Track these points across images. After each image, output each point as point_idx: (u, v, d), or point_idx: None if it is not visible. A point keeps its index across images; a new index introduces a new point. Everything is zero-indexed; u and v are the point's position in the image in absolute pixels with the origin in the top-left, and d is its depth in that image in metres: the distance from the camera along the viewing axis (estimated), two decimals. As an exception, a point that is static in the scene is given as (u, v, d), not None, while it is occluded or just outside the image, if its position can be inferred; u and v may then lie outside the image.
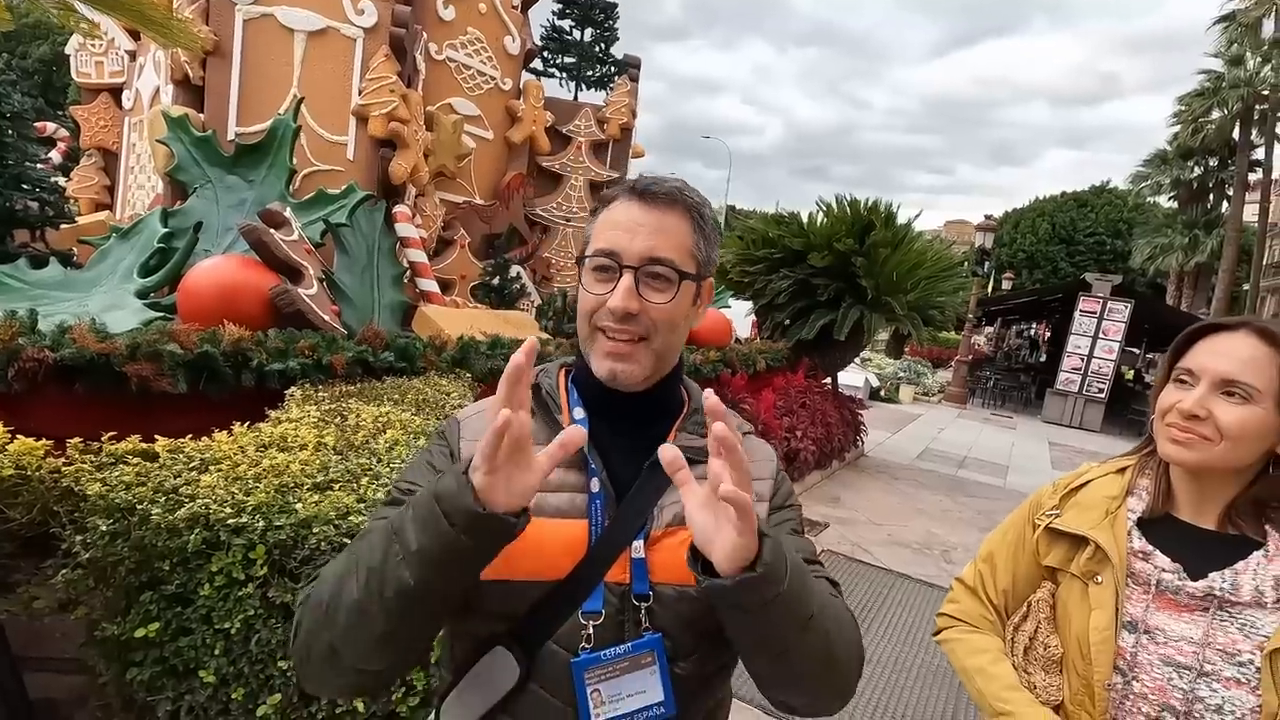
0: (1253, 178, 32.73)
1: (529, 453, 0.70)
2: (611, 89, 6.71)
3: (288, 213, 3.45)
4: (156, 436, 2.06)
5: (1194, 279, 36.03)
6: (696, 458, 0.89)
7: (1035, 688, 1.10)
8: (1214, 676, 0.98)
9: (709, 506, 0.71)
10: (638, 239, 0.84)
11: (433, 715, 0.93)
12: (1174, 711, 1.00)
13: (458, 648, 0.90)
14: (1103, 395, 14.47)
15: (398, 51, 4.43)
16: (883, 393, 14.50)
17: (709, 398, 0.71)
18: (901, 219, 7.63)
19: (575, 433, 0.70)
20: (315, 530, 1.76)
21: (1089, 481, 1.17)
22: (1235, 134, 32.66)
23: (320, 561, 1.75)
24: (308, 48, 4.30)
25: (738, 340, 7.52)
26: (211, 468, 1.93)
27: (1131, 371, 21.16)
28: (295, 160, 4.03)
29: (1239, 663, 0.97)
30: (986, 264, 17.00)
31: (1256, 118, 31.44)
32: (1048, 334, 25.43)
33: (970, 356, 17.41)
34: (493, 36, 5.59)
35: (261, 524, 1.74)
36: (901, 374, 15.81)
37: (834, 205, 7.66)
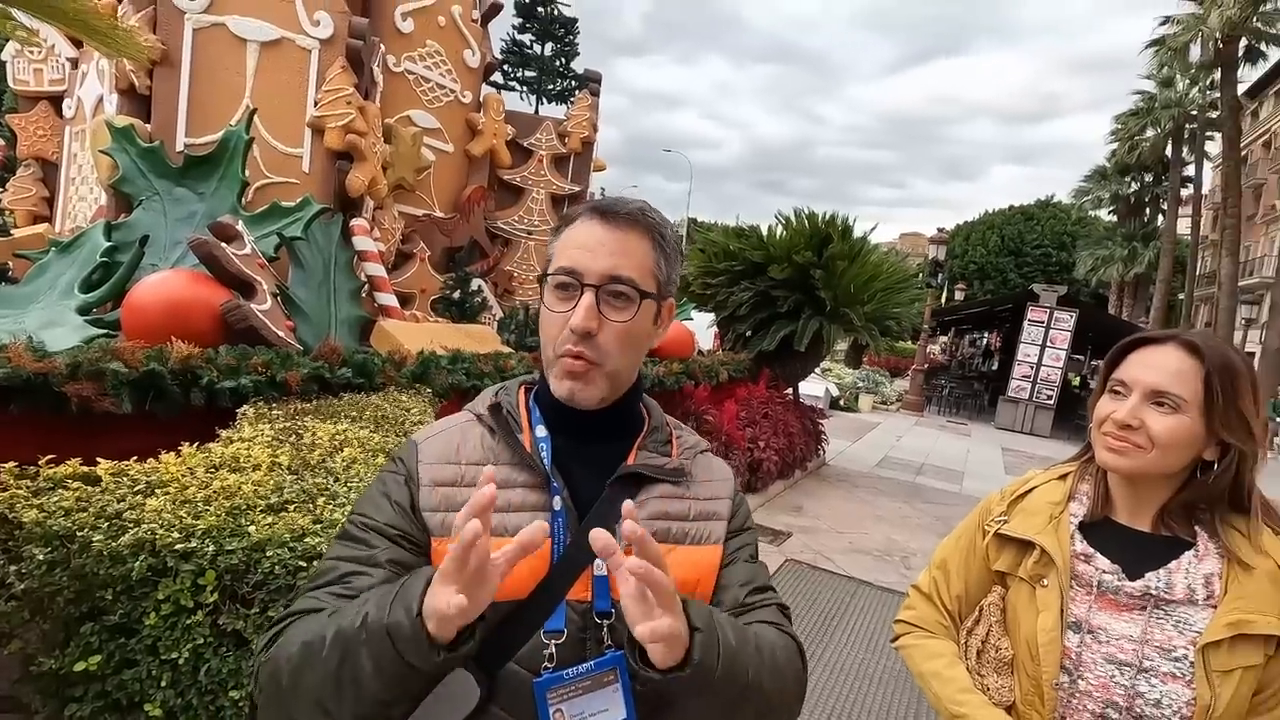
0: (1185, 193, 34.48)
1: (487, 569, 0.70)
2: (572, 103, 6.74)
3: (240, 226, 3.37)
4: (99, 459, 1.98)
5: (1133, 289, 37.72)
6: (656, 475, 0.93)
7: (988, 689, 1.13)
8: (1153, 672, 1.02)
9: (641, 597, 0.72)
10: (599, 258, 0.85)
11: None
12: (1117, 707, 1.03)
13: None
14: (1051, 402, 14.99)
15: (355, 63, 4.37)
16: (842, 402, 14.76)
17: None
18: (858, 232, 7.82)
19: (537, 532, 0.69)
20: (269, 554, 1.71)
21: (1034, 488, 1.21)
22: (1168, 151, 34.41)
23: (274, 586, 1.70)
24: (261, 58, 4.21)
25: (700, 352, 7.59)
26: (158, 491, 1.86)
27: (1078, 378, 21.97)
28: (248, 173, 3.94)
29: (1175, 658, 1.02)
30: (940, 275, 17.52)
31: (1186, 136, 33.19)
32: (999, 343, 26.27)
33: (926, 365, 17.87)
34: (452, 49, 5.56)
35: (211, 549, 1.68)
36: (861, 383, 16.12)
37: (793, 218, 7.80)
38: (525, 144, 6.47)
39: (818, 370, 11.68)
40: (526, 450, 0.90)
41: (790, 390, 8.34)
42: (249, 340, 3.08)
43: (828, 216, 7.69)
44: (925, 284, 15.72)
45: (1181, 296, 33.28)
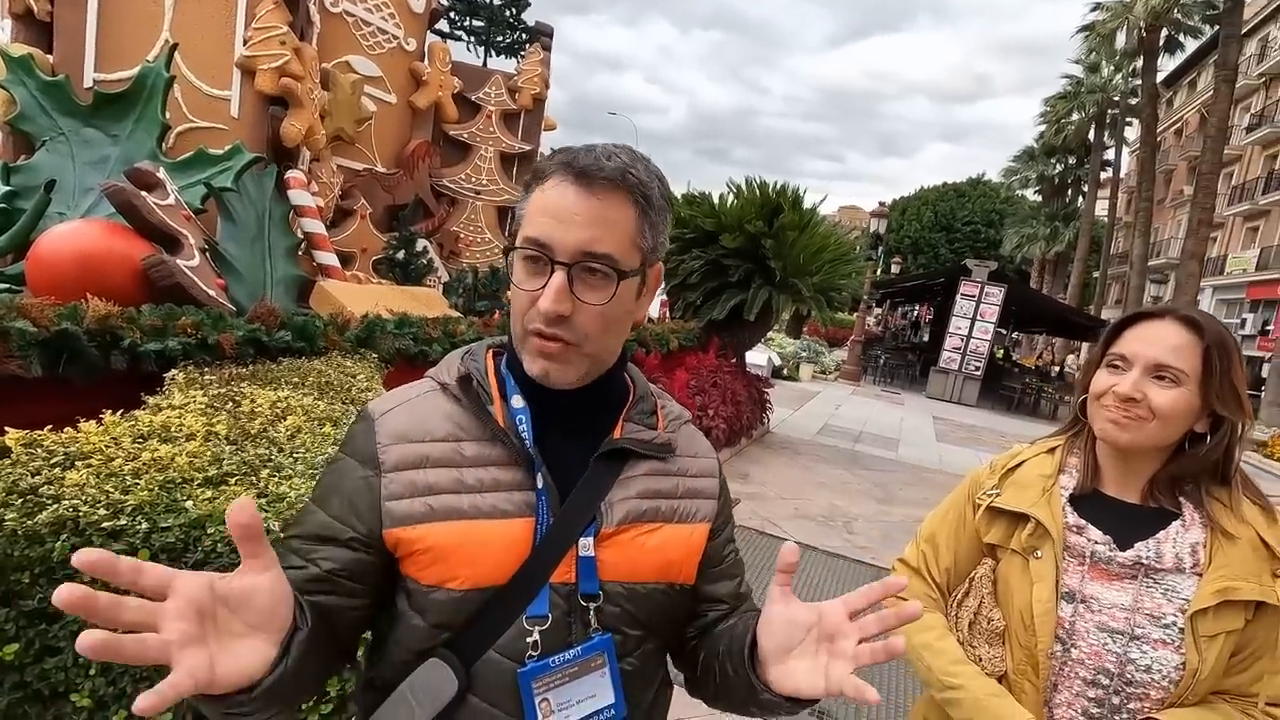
0: (1105, 176, 36.35)
1: (241, 601, 0.59)
2: (523, 57, 6.45)
3: (161, 173, 3.07)
4: (6, 428, 1.78)
5: (1054, 266, 39.80)
6: (643, 451, 0.86)
7: (981, 660, 1.14)
8: (1143, 639, 1.05)
9: (801, 627, 0.73)
10: (572, 230, 0.75)
11: None
12: (1108, 674, 1.06)
13: (388, 660, 0.82)
14: (979, 372, 15.72)
15: (289, 1, 4.02)
16: (784, 371, 15.08)
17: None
18: (807, 204, 7.87)
19: (243, 511, 0.57)
20: (210, 531, 1.59)
21: (1024, 461, 1.22)
22: (1091, 135, 36.09)
23: (217, 565, 1.58)
24: (181, -13, 3.82)
25: (650, 320, 7.55)
26: (79, 463, 1.69)
27: (1002, 350, 23.09)
28: (168, 115, 3.59)
29: (1164, 625, 1.04)
30: (880, 248, 17.98)
31: (1109, 121, 34.86)
32: (929, 315, 27.25)
33: (863, 336, 18.42)
34: (395, -9, 5.20)
35: (145, 526, 1.54)
36: (802, 353, 16.49)
37: (744, 187, 7.78)
38: (473, 98, 6.16)
39: (761, 341, 11.86)
40: (500, 424, 0.81)
41: (738, 359, 8.42)
42: (175, 299, 2.84)
43: (779, 186, 7.70)
44: (867, 256, 16.12)
45: (1097, 274, 35.32)
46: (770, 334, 15.70)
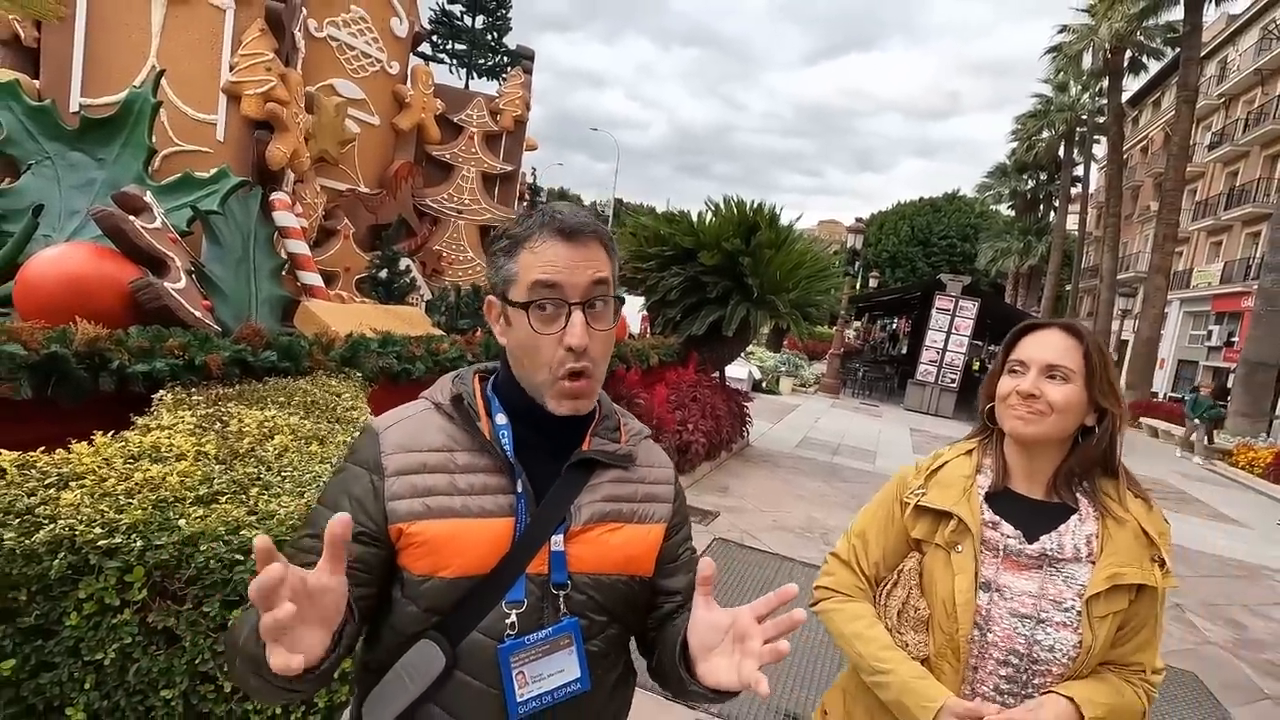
0: (1075, 191, 37.26)
1: (317, 599, 0.70)
2: (505, 79, 6.58)
3: (148, 197, 3.13)
4: None
5: (1027, 280, 40.59)
6: (608, 460, 1.00)
7: (907, 645, 1.26)
8: (1048, 622, 1.18)
9: (719, 630, 0.83)
10: (578, 274, 0.89)
11: (346, 716, 0.97)
12: (1018, 654, 1.19)
13: (382, 645, 0.93)
14: (955, 384, 16.00)
15: (274, 26, 4.11)
16: (764, 384, 15.23)
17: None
18: (784, 220, 8.05)
19: (340, 524, 0.70)
20: (203, 548, 1.65)
21: (945, 463, 1.34)
22: (1061, 152, 37.02)
23: (209, 581, 1.65)
24: (168, 14, 3.88)
25: (631, 336, 7.65)
26: (73, 483, 1.74)
27: (978, 363, 23.50)
28: (155, 139, 3.65)
29: (1065, 609, 1.18)
30: (857, 263, 18.28)
31: (1077, 139, 35.80)
32: (908, 328, 27.66)
33: (842, 350, 18.67)
34: (378, 16, 5.30)
35: (139, 544, 1.60)
36: (782, 366, 16.67)
37: (722, 205, 7.94)
38: (455, 120, 6.27)
39: (741, 355, 12.00)
40: (486, 437, 0.94)
41: (717, 374, 8.54)
42: (162, 321, 2.89)
43: (755, 205, 7.87)
44: (844, 271, 16.38)
45: (1069, 288, 36.07)
46: (751, 348, 15.88)
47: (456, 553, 0.88)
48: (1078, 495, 1.25)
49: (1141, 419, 19.66)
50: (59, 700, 1.57)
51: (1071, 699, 1.14)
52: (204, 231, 3.50)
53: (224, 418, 2.42)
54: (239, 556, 1.67)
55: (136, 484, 1.79)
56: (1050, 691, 1.17)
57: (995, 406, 1.28)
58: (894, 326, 33.20)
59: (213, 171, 3.70)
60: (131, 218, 2.96)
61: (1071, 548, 1.20)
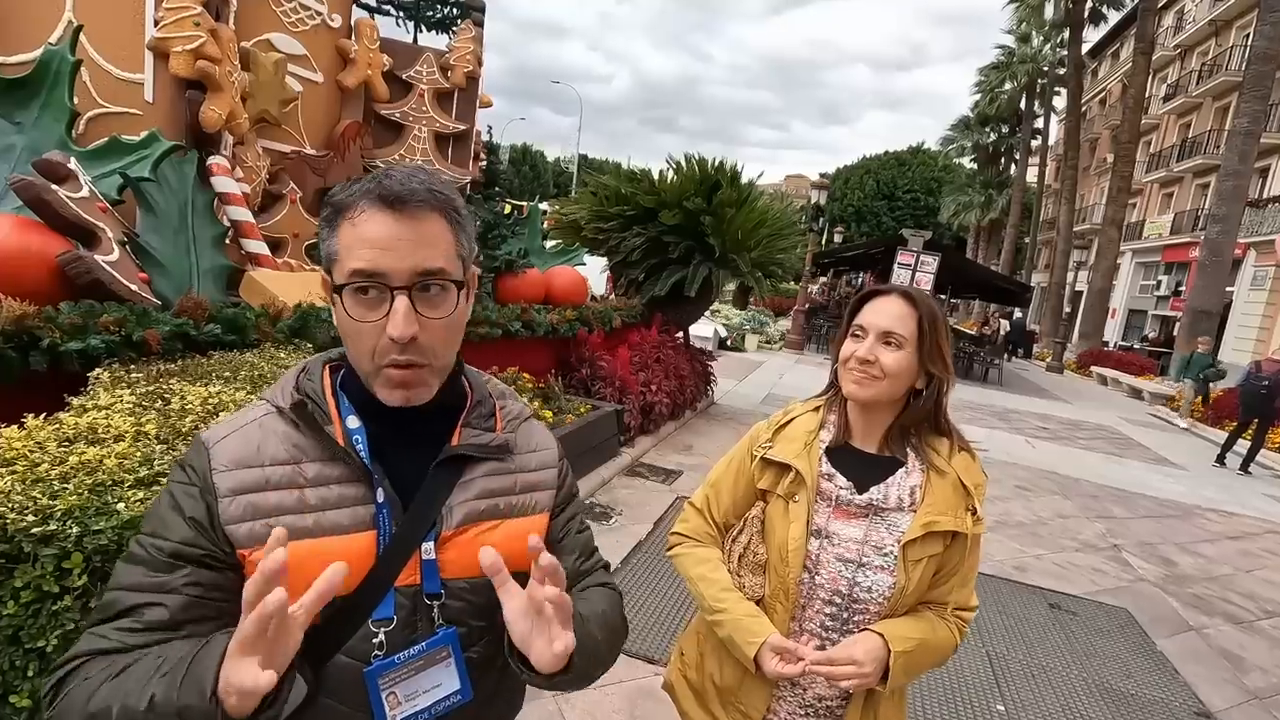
0: (1035, 144, 37.66)
1: (287, 624, 0.65)
2: (455, 33, 6.32)
3: (73, 164, 2.97)
4: (-77, 438, 1.77)
5: (989, 232, 41.24)
6: (482, 455, 0.91)
7: (744, 587, 1.35)
8: (868, 566, 1.28)
9: (527, 614, 0.78)
10: (403, 256, 0.77)
11: None
12: (840, 595, 1.29)
13: None
14: (916, 339, 16.30)
15: (201, -23, 3.86)
16: (730, 342, 15.36)
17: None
18: (746, 178, 8.00)
19: (336, 575, 0.66)
20: (144, 531, 1.63)
21: (794, 419, 1.43)
22: (1023, 104, 37.24)
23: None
24: (82, -35, 3.62)
25: (594, 297, 7.61)
26: (3, 469, 1.70)
27: (939, 316, 23.94)
28: (77, 100, 3.44)
29: (884, 554, 1.28)
30: (821, 219, 18.32)
31: (1038, 91, 36.01)
32: (874, 282, 27.98)
33: (807, 305, 18.84)
34: (316, -35, 5.02)
35: (76, 530, 1.58)
36: (747, 324, 16.80)
37: (683, 163, 7.85)
38: (404, 76, 6.02)
39: (707, 313, 12.05)
40: (339, 444, 0.84)
41: (681, 334, 8.58)
42: (95, 295, 2.78)
43: (717, 162, 7.81)
44: (808, 228, 16.41)
45: (1028, 240, 36.78)
46: (716, 305, 15.93)
47: (312, 577, 0.74)
48: (908, 450, 1.33)
49: (1092, 367, 20.41)
50: (1, 688, 1.56)
51: (882, 635, 1.23)
52: (136, 200, 3.35)
53: (166, 395, 2.37)
54: (182, 538, 1.66)
55: (72, 468, 1.75)
56: (865, 629, 1.27)
57: (838, 368, 1.36)
58: (859, 281, 33.59)
59: (142, 135, 3.52)
60: (55, 187, 2.81)
61: (895, 498, 1.29)
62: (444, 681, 0.85)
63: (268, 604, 0.61)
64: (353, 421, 0.86)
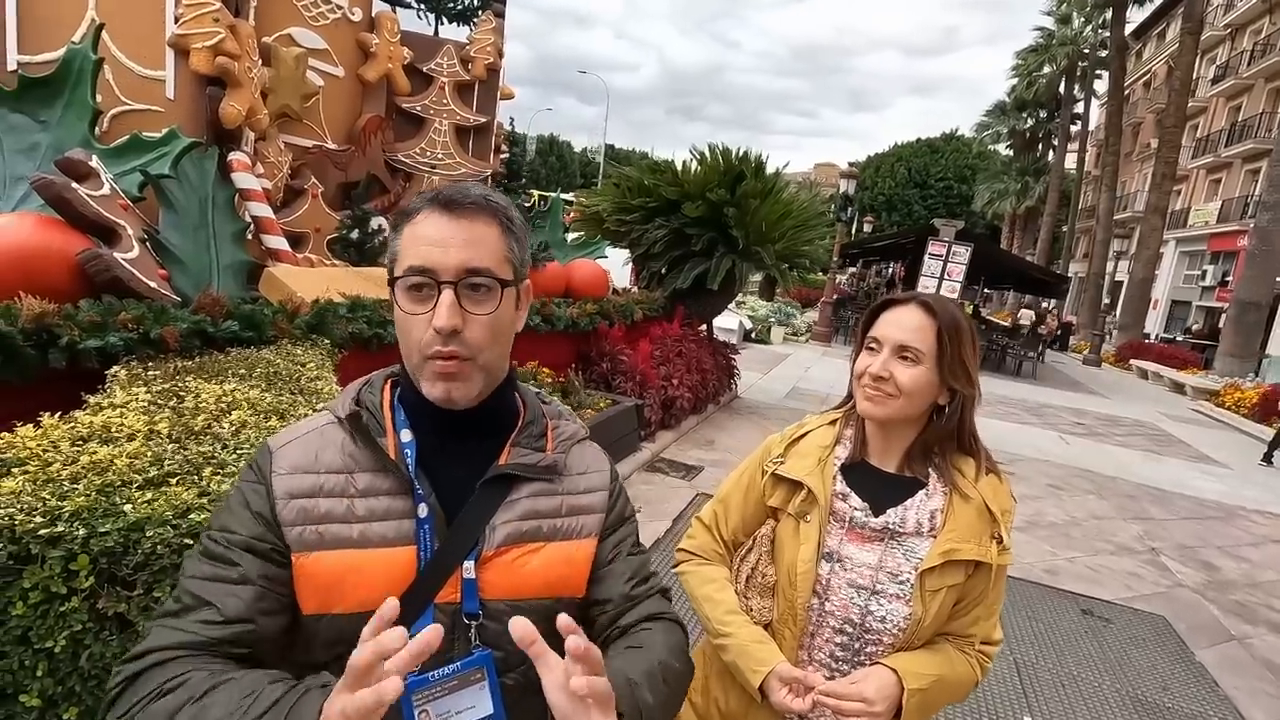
0: (1075, 129, 36.50)
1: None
2: (475, 25, 6.28)
3: (94, 161, 3.00)
4: (-62, 437, 1.79)
5: (1024, 221, 40.18)
6: (530, 475, 0.92)
7: (751, 610, 1.28)
8: (882, 594, 1.20)
9: (565, 689, 0.72)
10: (451, 252, 0.82)
11: None
12: (852, 624, 1.21)
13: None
14: (946, 331, 15.95)
15: (221, -27, 3.88)
16: (755, 335, 15.20)
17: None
18: (771, 167, 7.85)
19: (433, 636, 0.66)
20: (150, 533, 1.63)
21: (809, 432, 1.34)
22: (1062, 88, 36.09)
23: (157, 567, 1.63)
24: (105, -37, 3.66)
25: (615, 291, 7.56)
26: (15, 470, 1.71)
27: (971, 307, 23.44)
28: (99, 98, 3.49)
29: (900, 581, 1.19)
30: (850, 209, 17.99)
31: (1079, 74, 34.86)
32: (904, 273, 27.51)
33: (835, 297, 18.56)
34: (336, -42, 5.02)
35: (82, 532, 1.58)
36: (773, 316, 16.60)
37: (707, 154, 7.73)
38: (425, 69, 6.01)
39: (732, 305, 11.92)
40: (390, 456, 0.87)
41: (704, 326, 8.49)
42: (115, 293, 2.81)
43: (741, 153, 7.67)
44: (836, 218, 16.14)
45: (1066, 229, 35.72)
46: (742, 297, 15.78)
47: (350, 589, 0.82)
48: (929, 470, 1.25)
49: (1132, 360, 19.78)
50: (11, 688, 1.58)
51: (895, 670, 1.16)
52: (157, 197, 3.38)
53: (181, 393, 2.38)
54: (188, 541, 1.65)
55: (82, 468, 1.76)
56: (877, 663, 1.19)
57: (852, 382, 1.27)
58: (890, 272, 32.99)
59: (163, 132, 3.55)
60: (76, 185, 2.84)
61: (914, 522, 1.21)
62: (478, 704, 0.83)
63: (385, 689, 0.62)
64: (406, 435, 0.89)
